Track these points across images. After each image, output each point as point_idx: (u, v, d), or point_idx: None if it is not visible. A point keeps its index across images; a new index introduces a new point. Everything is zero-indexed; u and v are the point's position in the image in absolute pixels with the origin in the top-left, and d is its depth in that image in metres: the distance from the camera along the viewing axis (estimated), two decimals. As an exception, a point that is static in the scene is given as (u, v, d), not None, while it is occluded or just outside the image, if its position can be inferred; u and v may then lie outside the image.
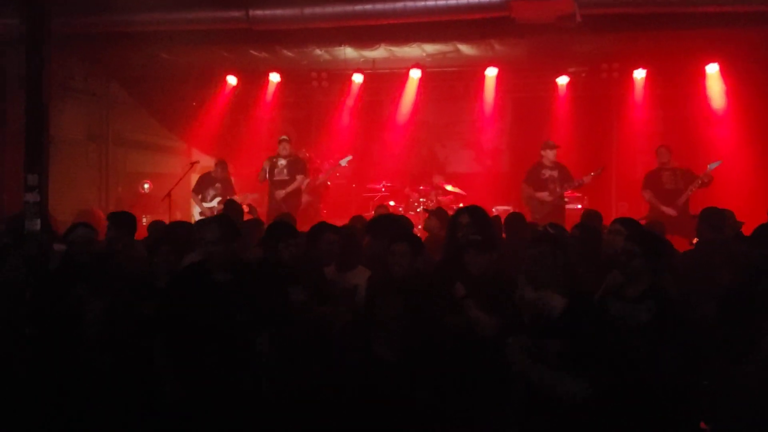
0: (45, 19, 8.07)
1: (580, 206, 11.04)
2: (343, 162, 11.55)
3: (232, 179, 11.58)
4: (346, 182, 13.56)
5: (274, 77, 13.00)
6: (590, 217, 7.16)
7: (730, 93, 11.43)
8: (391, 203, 11.84)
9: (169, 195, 10.67)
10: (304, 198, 11.15)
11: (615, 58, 11.93)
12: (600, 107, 12.88)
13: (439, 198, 11.71)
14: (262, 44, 11.29)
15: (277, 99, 13.37)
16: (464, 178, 13.06)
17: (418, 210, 11.22)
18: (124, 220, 6.21)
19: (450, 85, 13.21)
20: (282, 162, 10.80)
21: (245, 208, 8.84)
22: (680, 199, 9.40)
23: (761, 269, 4.59)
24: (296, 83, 13.37)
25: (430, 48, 11.48)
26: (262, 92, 13.26)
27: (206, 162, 12.64)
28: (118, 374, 4.50)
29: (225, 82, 13.10)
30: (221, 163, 11.42)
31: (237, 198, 10.34)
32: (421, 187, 11.77)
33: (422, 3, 9.26)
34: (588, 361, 3.74)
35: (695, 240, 6.71)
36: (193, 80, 13.11)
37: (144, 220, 10.71)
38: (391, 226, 5.90)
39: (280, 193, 10.55)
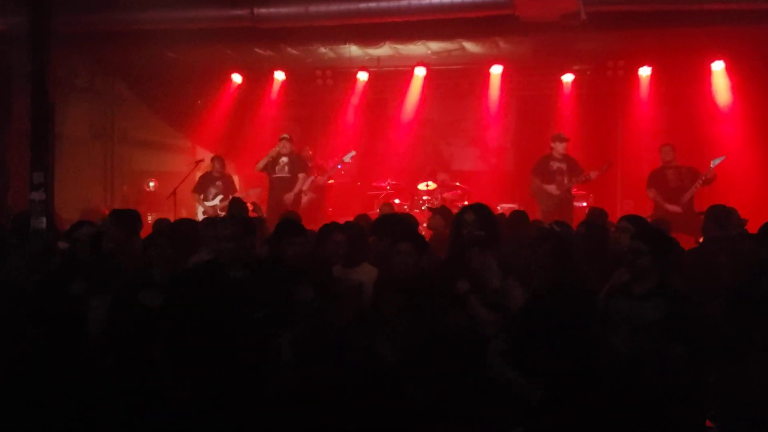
0: (49, 17, 8.08)
1: (585, 204, 11.04)
2: (347, 158, 11.52)
3: (235, 177, 11.58)
4: (351, 180, 13.55)
5: (279, 75, 12.99)
6: (595, 214, 7.15)
7: (735, 90, 11.40)
8: (396, 201, 11.84)
9: (174, 193, 10.71)
10: (309, 196, 11.15)
11: (620, 55, 11.87)
12: (605, 105, 12.86)
13: (444, 195, 11.71)
14: (267, 42, 11.29)
15: (282, 97, 13.36)
16: (469, 176, 13.07)
17: (423, 208, 11.23)
18: (125, 218, 6.10)
19: (455, 83, 13.17)
20: (284, 159, 10.77)
21: (249, 206, 8.85)
22: (684, 196, 9.39)
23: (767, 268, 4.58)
24: (301, 81, 13.34)
25: (435, 46, 11.47)
26: (266, 90, 13.25)
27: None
28: (120, 373, 4.48)
29: (230, 80, 13.12)
30: (218, 159, 11.41)
31: (240, 195, 10.36)
32: (427, 186, 11.79)
33: (427, 1, 9.26)
34: (537, 359, 3.73)
35: (702, 238, 6.70)
36: (197, 78, 13.11)
37: (149, 218, 10.73)
38: (396, 225, 5.91)
39: (289, 197, 10.51)
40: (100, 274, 5.00)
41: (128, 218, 6.14)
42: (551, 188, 10.05)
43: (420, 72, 12.49)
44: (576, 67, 12.45)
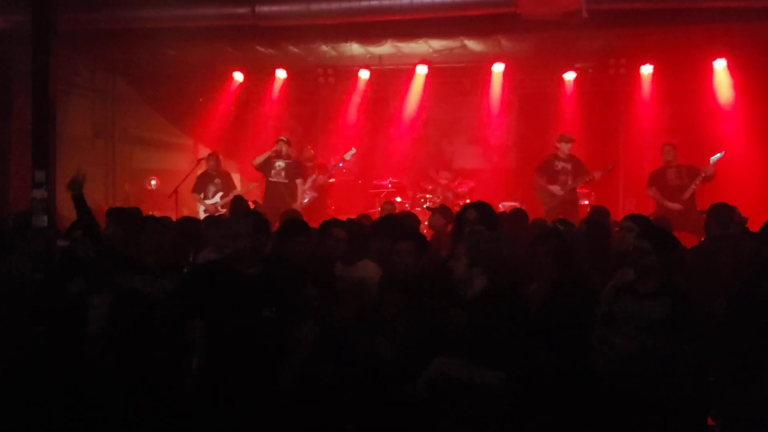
0: (51, 15, 8.08)
1: (587, 202, 11.03)
2: (348, 156, 11.51)
3: (236, 175, 11.56)
4: (353, 179, 13.54)
5: (281, 73, 12.97)
6: (597, 212, 7.14)
7: (737, 88, 11.37)
8: (398, 199, 11.83)
9: (176, 191, 10.71)
10: (310, 195, 11.15)
11: (622, 53, 11.87)
12: (607, 103, 12.82)
13: (447, 194, 11.70)
14: (269, 40, 11.27)
15: (284, 95, 13.34)
16: (471, 174, 13.03)
17: (424, 207, 11.22)
18: (122, 216, 6.04)
19: (456, 81, 13.15)
20: (280, 164, 10.76)
21: (251, 205, 8.86)
22: (685, 194, 9.38)
23: (768, 266, 4.58)
24: (302, 79, 13.35)
25: (436, 44, 11.45)
26: (268, 88, 13.24)
27: (213, 159, 12.63)
28: (120, 373, 4.47)
29: (231, 78, 13.11)
30: (213, 156, 11.34)
31: (240, 192, 10.36)
32: (430, 187, 11.80)
33: (429, -1, 9.26)
34: (497, 348, 3.71)
35: (704, 237, 6.69)
36: (199, 77, 13.10)
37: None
38: (396, 225, 5.90)
39: (297, 206, 10.45)
40: (99, 272, 4.99)
41: (124, 216, 6.08)
42: (555, 188, 10.06)
43: (421, 70, 12.48)
44: (578, 65, 12.43)
